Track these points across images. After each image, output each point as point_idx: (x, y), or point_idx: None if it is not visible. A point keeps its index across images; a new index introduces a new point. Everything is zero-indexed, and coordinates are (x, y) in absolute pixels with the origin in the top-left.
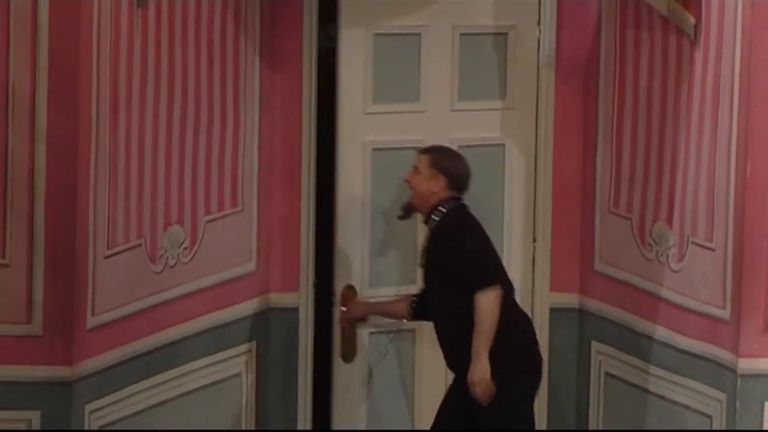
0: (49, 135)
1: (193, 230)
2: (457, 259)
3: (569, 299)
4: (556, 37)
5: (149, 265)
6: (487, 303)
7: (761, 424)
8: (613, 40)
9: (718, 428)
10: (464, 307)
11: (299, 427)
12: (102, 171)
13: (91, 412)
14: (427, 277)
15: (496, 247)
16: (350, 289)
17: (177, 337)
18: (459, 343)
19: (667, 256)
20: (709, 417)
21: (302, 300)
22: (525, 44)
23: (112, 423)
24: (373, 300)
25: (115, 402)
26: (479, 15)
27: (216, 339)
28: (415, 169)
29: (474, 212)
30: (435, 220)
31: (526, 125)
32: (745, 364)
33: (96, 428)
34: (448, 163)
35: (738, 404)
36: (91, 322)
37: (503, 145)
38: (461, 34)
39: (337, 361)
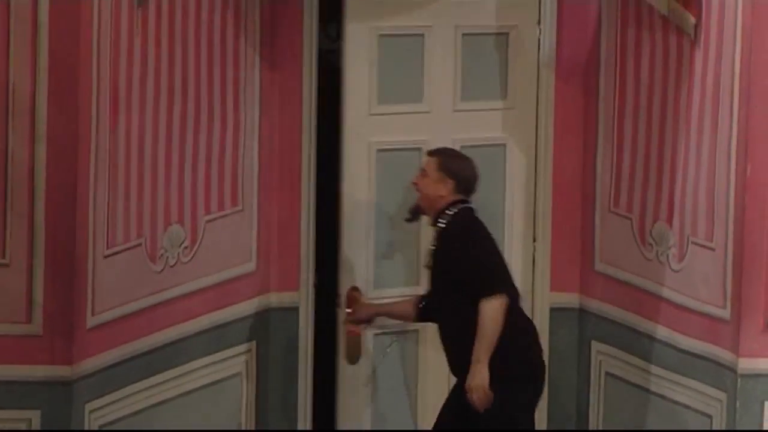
0: (49, 134)
1: (194, 230)
2: (463, 265)
3: (569, 299)
4: (557, 37)
5: (149, 264)
6: (492, 311)
7: (761, 423)
8: (614, 39)
9: (718, 428)
10: (469, 312)
11: (299, 427)
12: (102, 170)
13: (91, 412)
14: (433, 281)
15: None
16: (355, 291)
17: (177, 337)
18: (462, 348)
19: (668, 256)
20: (709, 417)
21: (302, 300)
22: (526, 44)
23: (112, 422)
24: (377, 301)
25: (115, 401)
26: (480, 15)
27: (216, 339)
28: (423, 172)
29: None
30: (442, 223)
31: (527, 125)
32: (745, 364)
33: (96, 428)
34: (455, 166)
35: (738, 404)
36: (91, 321)
37: (504, 145)
38: (463, 35)
39: (342, 362)
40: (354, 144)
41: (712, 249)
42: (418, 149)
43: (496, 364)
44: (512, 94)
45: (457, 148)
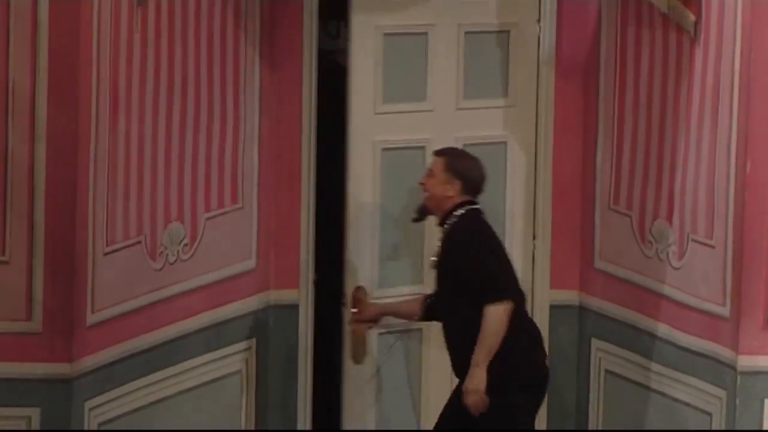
0: (49, 133)
1: (193, 227)
2: (469, 269)
3: (569, 296)
4: (557, 35)
5: (149, 262)
6: (496, 317)
7: (761, 421)
8: (614, 37)
9: (718, 425)
10: (473, 315)
11: (299, 425)
12: (102, 168)
13: (90, 409)
14: (439, 281)
15: None
16: (360, 290)
17: (177, 334)
18: (464, 350)
19: (667, 254)
20: (709, 414)
21: (302, 297)
22: (526, 42)
23: (112, 420)
24: (383, 301)
25: (115, 399)
26: (482, 13)
27: (216, 336)
28: (430, 172)
29: None
30: (449, 225)
31: (527, 123)
32: (744, 362)
33: (95, 425)
34: (463, 167)
35: (738, 401)
36: (91, 319)
37: (505, 143)
38: (465, 33)
39: (348, 361)
40: (359, 143)
41: (712, 246)
42: (422, 148)
43: (499, 367)
44: (513, 92)
45: (459, 146)
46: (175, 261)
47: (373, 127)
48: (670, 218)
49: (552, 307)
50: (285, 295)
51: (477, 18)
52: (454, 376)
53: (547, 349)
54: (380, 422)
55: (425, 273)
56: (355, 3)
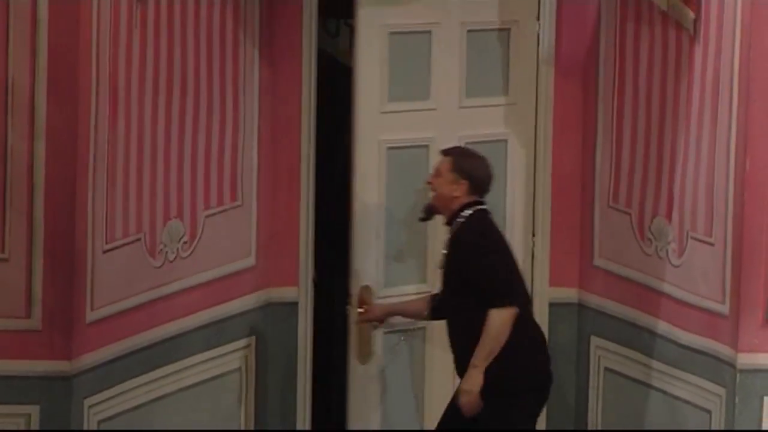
0: (48, 130)
1: (193, 225)
2: (476, 272)
3: (568, 294)
4: (556, 33)
5: (149, 259)
6: (499, 322)
7: (760, 418)
8: (613, 35)
9: (718, 422)
10: (477, 316)
11: (298, 423)
12: (101, 166)
13: (90, 407)
14: (445, 281)
15: None
16: (366, 290)
17: (176, 332)
18: (468, 351)
19: (667, 251)
20: (709, 412)
21: (301, 294)
22: (527, 40)
23: (112, 417)
24: (388, 300)
25: (115, 396)
26: (483, 11)
27: (215, 334)
28: (437, 171)
29: None
30: (457, 225)
31: (527, 121)
32: (744, 359)
33: (95, 423)
34: (469, 167)
35: (737, 399)
36: (91, 316)
37: (506, 141)
38: (468, 31)
39: (353, 361)
40: (365, 142)
41: (712, 244)
42: (426, 147)
43: (502, 369)
44: (513, 90)
45: (462, 144)
46: (175, 258)
47: (378, 126)
48: (669, 216)
49: (551, 305)
50: (284, 293)
51: (478, 16)
52: (457, 376)
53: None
54: (383, 422)
55: (430, 272)
56: (362, 2)
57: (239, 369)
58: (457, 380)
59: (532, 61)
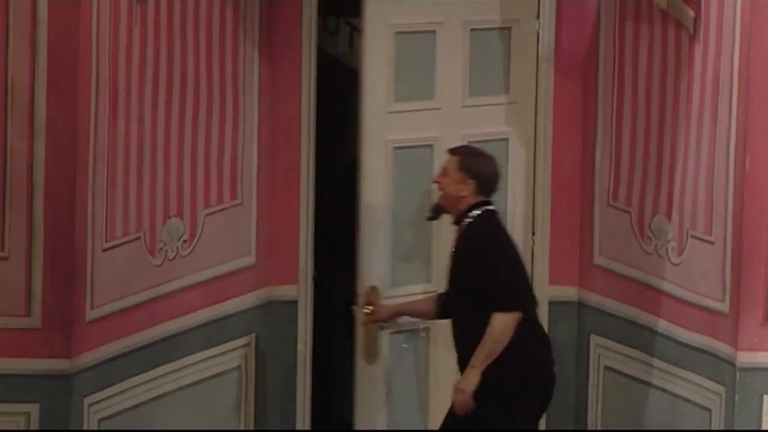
0: (48, 129)
1: (193, 223)
2: (481, 274)
3: (568, 292)
4: (556, 31)
5: (148, 258)
6: (501, 325)
7: (760, 417)
8: (613, 33)
9: (717, 421)
10: (481, 319)
11: (298, 421)
12: (101, 165)
13: (90, 405)
14: (451, 280)
15: None
16: (373, 291)
17: (176, 330)
18: (471, 352)
19: (667, 250)
20: (708, 410)
21: (301, 292)
22: (527, 39)
23: (112, 416)
24: (394, 300)
25: (115, 395)
26: (485, 10)
27: (215, 332)
28: (444, 171)
29: None
30: (464, 225)
31: (527, 119)
32: (744, 358)
33: (95, 421)
34: (477, 166)
35: (737, 397)
36: (90, 314)
37: (507, 140)
38: (471, 30)
39: (360, 362)
40: (372, 142)
41: (711, 243)
42: (430, 146)
43: (506, 371)
44: (514, 88)
45: (465, 143)
46: (175, 257)
47: (385, 126)
48: (669, 214)
49: (551, 303)
50: (284, 291)
51: (480, 15)
52: (460, 376)
53: None
54: (388, 422)
55: (436, 272)
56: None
57: (239, 367)
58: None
59: (532, 60)
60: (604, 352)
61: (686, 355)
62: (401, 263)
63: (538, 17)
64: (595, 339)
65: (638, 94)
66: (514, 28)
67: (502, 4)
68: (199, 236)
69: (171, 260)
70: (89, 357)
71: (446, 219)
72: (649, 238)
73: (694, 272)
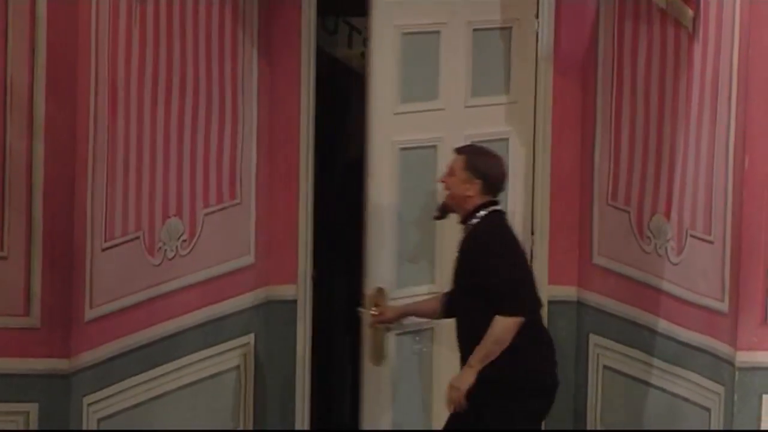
0: (47, 128)
1: (192, 223)
2: (486, 277)
3: (567, 292)
4: (555, 31)
5: (147, 257)
6: (502, 328)
7: (759, 416)
8: (612, 32)
9: (717, 420)
10: (485, 320)
11: (297, 420)
12: (100, 164)
13: (89, 405)
14: (456, 280)
15: None
16: (380, 292)
17: (175, 330)
18: (473, 350)
19: (666, 249)
20: (708, 410)
21: (300, 292)
22: (527, 38)
23: (111, 415)
24: (400, 302)
25: (114, 394)
26: (486, 10)
27: (214, 331)
28: (450, 170)
29: None
30: (470, 226)
31: (527, 119)
32: (743, 357)
33: (94, 421)
34: (483, 166)
35: (736, 397)
36: (89, 314)
37: (507, 140)
38: (473, 30)
39: (368, 363)
40: (378, 144)
41: (711, 242)
42: (434, 147)
43: (508, 373)
44: (514, 88)
45: (469, 143)
46: (174, 257)
47: (391, 127)
48: (668, 214)
49: (550, 303)
50: (283, 291)
51: (482, 15)
52: None
53: None
54: (393, 422)
55: (440, 273)
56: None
57: (238, 367)
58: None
59: (532, 60)
60: (603, 351)
61: (685, 355)
62: (407, 264)
63: (537, 17)
64: (594, 338)
65: (637, 93)
66: (514, 27)
67: (502, 3)
68: (199, 236)
69: (170, 260)
70: (88, 356)
71: (452, 220)
72: (649, 237)
73: (693, 272)
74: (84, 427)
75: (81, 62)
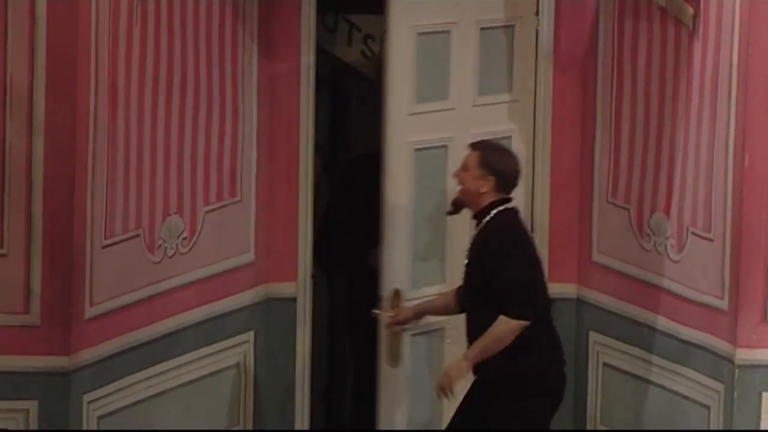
0: (47, 126)
1: (192, 221)
2: (495, 277)
3: (567, 289)
4: (555, 29)
5: (148, 255)
6: (505, 329)
7: (759, 414)
8: (612, 30)
9: (716, 418)
10: (493, 318)
11: (296, 418)
12: (100, 162)
13: (89, 402)
14: (467, 276)
15: None
16: (396, 293)
17: (175, 328)
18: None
19: (665, 247)
20: (707, 407)
21: (300, 290)
22: (529, 36)
23: (111, 413)
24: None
25: (114, 392)
26: (491, 8)
27: (214, 329)
28: (464, 165)
29: None
30: (483, 224)
31: (527, 117)
32: (742, 355)
33: (94, 418)
34: (497, 163)
35: (736, 395)
36: (89, 312)
37: (510, 137)
38: (481, 29)
39: (385, 365)
40: (395, 145)
41: (711, 240)
42: (445, 147)
43: (516, 373)
44: (517, 86)
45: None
46: (174, 254)
47: (407, 128)
48: (668, 211)
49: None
50: (283, 288)
51: (488, 13)
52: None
53: None
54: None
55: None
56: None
57: (238, 364)
58: (473, 378)
59: (533, 57)
60: (603, 349)
61: (685, 352)
62: (421, 265)
63: (537, 14)
64: (593, 336)
65: (637, 91)
66: (517, 25)
67: (506, 1)
68: (199, 233)
69: (170, 257)
70: (88, 354)
71: (463, 221)
72: (648, 235)
73: (693, 269)
74: (84, 425)
75: (81, 61)
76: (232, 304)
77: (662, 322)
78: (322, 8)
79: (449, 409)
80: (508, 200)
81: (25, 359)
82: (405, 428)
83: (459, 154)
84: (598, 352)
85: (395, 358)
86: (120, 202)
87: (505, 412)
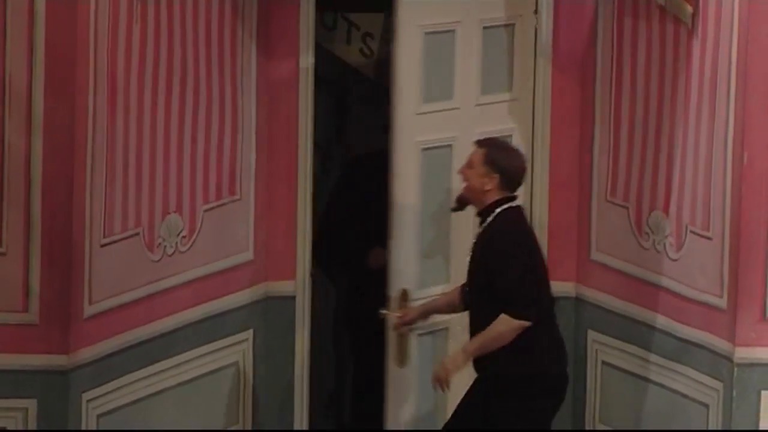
0: (46, 125)
1: (192, 219)
2: (497, 276)
3: (566, 288)
4: (554, 27)
5: (147, 253)
6: (505, 327)
7: (758, 412)
8: (611, 29)
9: (715, 416)
10: (493, 313)
11: (296, 417)
12: (99, 160)
13: (88, 401)
14: (470, 274)
15: None
16: (403, 294)
17: (174, 326)
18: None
19: (664, 245)
20: (706, 406)
21: (299, 288)
22: (528, 35)
23: (110, 412)
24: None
25: (113, 391)
26: (492, 7)
27: (213, 328)
28: (469, 162)
29: None
30: (488, 222)
31: (526, 115)
32: (741, 353)
33: (93, 417)
34: (503, 161)
35: (735, 393)
36: (88, 310)
37: (510, 136)
38: (483, 28)
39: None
40: (403, 144)
41: (709, 238)
42: (450, 146)
43: (518, 372)
44: (516, 85)
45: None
46: (173, 253)
47: (414, 127)
48: (667, 210)
49: None
50: (282, 287)
51: (491, 12)
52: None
53: None
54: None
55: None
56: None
57: (237, 363)
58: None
59: (532, 56)
60: (601, 347)
61: (684, 351)
62: (429, 264)
63: (535, 13)
64: (592, 335)
65: (636, 89)
66: (516, 24)
67: (506, 1)
68: (198, 232)
69: (170, 256)
70: (87, 353)
71: (468, 220)
72: (647, 233)
73: (692, 268)
74: (83, 424)
75: (80, 60)
76: (231, 302)
77: (661, 321)
78: (321, 6)
79: (452, 406)
80: (513, 198)
81: (24, 358)
82: (412, 428)
83: (463, 153)
84: (596, 350)
85: (403, 359)
86: (119, 200)
87: (507, 411)
